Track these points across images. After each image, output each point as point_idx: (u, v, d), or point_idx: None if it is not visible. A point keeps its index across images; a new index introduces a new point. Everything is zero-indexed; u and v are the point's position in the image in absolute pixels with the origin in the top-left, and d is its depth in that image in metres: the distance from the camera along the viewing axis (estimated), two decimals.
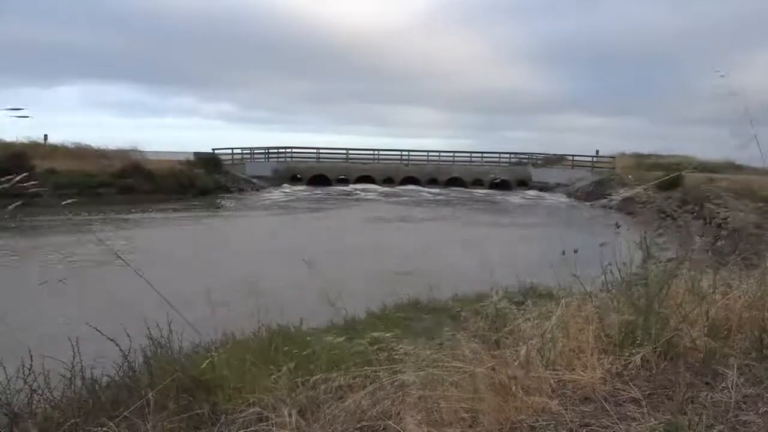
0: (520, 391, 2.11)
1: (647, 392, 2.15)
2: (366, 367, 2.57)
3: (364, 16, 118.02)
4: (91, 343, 3.23)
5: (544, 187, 39.24)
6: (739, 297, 2.89)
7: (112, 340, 3.22)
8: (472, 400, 2.09)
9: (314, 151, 43.97)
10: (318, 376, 2.52)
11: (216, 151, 36.24)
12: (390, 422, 2.09)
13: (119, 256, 3.15)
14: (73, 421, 2.57)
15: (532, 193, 38.08)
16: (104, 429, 2.30)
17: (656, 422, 1.90)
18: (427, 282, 8.22)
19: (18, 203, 2.30)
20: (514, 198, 35.34)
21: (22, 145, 29.34)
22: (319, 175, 40.65)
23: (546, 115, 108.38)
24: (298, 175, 40.66)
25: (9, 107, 2.73)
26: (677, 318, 2.58)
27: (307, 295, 4.87)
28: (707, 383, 2.23)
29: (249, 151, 40.02)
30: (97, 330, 3.20)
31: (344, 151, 43.93)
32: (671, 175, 3.25)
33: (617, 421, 1.93)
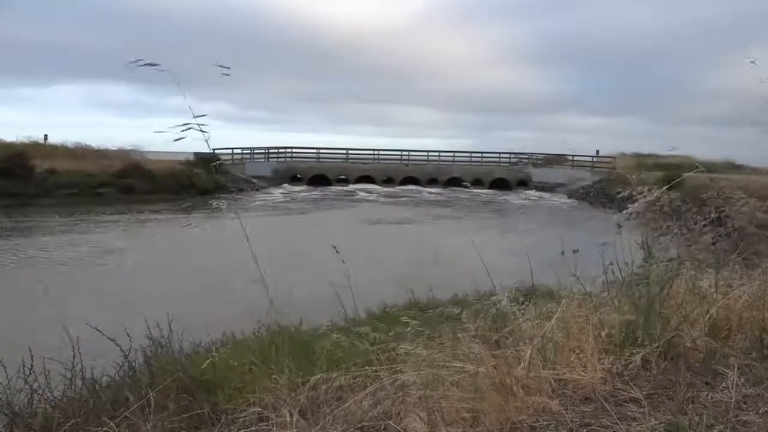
0: (521, 391, 2.11)
1: (647, 392, 2.15)
2: (366, 367, 2.56)
3: (364, 15, 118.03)
4: (91, 343, 3.24)
5: (544, 187, 39.26)
6: (740, 297, 2.89)
7: (112, 340, 3.23)
8: (473, 399, 2.09)
9: (314, 151, 44.02)
10: (318, 376, 2.52)
11: (216, 151, 36.22)
12: (391, 422, 2.08)
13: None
14: (73, 421, 2.58)
15: (531, 193, 38.09)
16: (105, 429, 2.30)
17: (656, 422, 1.90)
18: (427, 282, 8.23)
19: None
20: (515, 198, 35.34)
21: (23, 145, 29.44)
22: (319, 175, 40.68)
23: (546, 115, 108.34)
24: (298, 175, 40.68)
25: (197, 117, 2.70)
26: (678, 318, 2.58)
27: (312, 292, 4.88)
28: (707, 383, 2.23)
29: (249, 151, 40.03)
30: (97, 330, 3.20)
31: (344, 151, 43.96)
32: (683, 175, 3.28)
33: (617, 421, 1.93)
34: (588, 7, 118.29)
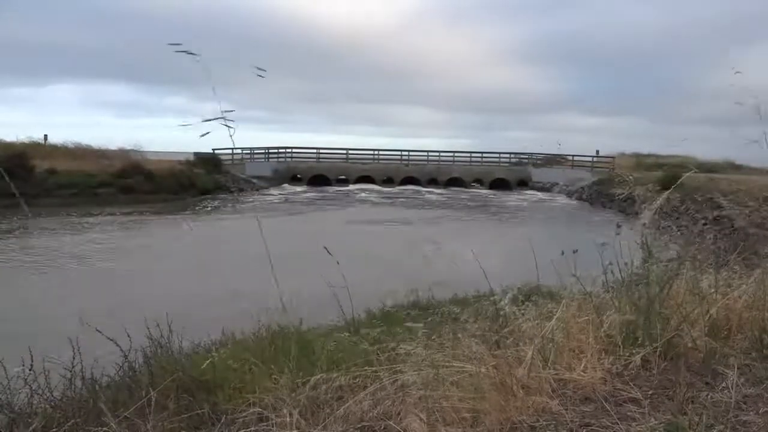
0: (521, 391, 2.11)
1: (647, 392, 2.15)
2: (367, 368, 2.56)
3: (363, 15, 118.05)
4: (91, 343, 3.23)
5: (543, 188, 39.27)
6: (740, 297, 2.89)
7: (112, 340, 3.22)
8: (473, 399, 2.09)
9: (314, 151, 44.01)
10: (318, 377, 2.52)
11: (216, 151, 36.25)
12: (391, 422, 2.08)
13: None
14: (73, 421, 2.57)
15: (531, 193, 38.08)
16: (104, 429, 2.30)
17: (656, 422, 1.90)
18: (427, 282, 8.23)
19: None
20: (514, 198, 35.33)
21: (23, 145, 29.44)
22: (319, 175, 40.67)
23: (546, 115, 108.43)
24: (298, 175, 40.67)
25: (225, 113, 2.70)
26: (678, 318, 2.58)
27: (313, 293, 4.88)
28: (707, 383, 2.23)
29: (249, 151, 40.00)
30: (97, 330, 3.20)
31: (344, 151, 43.95)
32: (682, 176, 3.26)
33: (617, 421, 1.93)
34: (588, 7, 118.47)
